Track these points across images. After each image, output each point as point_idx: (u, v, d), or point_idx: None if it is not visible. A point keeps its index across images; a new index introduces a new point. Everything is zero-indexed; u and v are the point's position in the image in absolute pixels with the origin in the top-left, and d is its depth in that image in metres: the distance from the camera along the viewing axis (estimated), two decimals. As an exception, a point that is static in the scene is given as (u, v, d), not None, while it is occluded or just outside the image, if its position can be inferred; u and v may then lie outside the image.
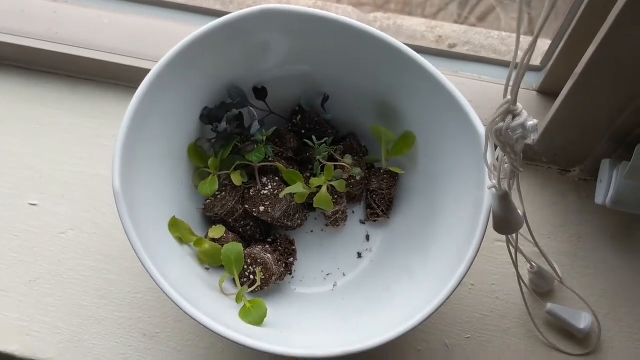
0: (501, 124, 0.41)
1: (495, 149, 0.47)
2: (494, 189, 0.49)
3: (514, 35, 0.92)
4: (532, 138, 0.41)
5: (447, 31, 0.90)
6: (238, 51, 0.59)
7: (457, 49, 0.86)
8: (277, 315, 0.57)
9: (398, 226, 0.65)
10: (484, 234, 0.51)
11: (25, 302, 0.64)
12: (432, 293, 0.51)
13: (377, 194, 0.65)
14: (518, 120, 0.41)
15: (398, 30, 0.91)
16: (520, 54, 0.38)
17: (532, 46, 0.37)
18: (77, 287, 0.65)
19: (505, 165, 0.47)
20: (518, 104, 0.41)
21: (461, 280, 0.50)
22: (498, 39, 0.90)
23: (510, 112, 0.41)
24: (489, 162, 0.49)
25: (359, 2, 1.52)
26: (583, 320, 0.62)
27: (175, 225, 0.57)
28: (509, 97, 0.41)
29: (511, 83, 0.40)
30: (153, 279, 0.49)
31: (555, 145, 0.68)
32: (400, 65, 0.58)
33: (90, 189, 0.70)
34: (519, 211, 0.51)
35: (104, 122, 0.74)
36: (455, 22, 1.49)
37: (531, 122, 0.41)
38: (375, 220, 0.66)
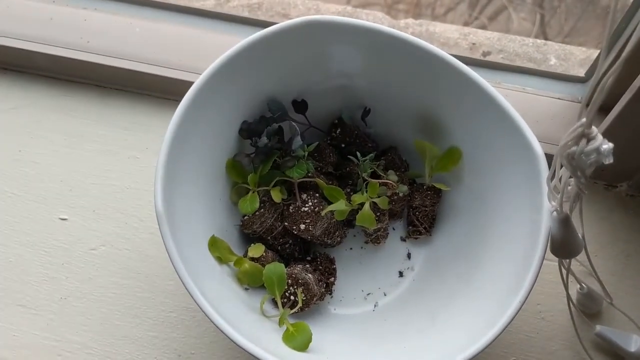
0: (574, 148, 0.39)
1: (559, 170, 0.45)
2: (555, 213, 0.46)
3: (550, 42, 0.90)
4: (607, 162, 0.39)
5: (481, 38, 0.88)
6: (280, 64, 0.57)
7: (491, 57, 0.84)
8: (315, 338, 0.55)
9: (441, 245, 0.63)
10: (543, 258, 0.49)
11: (56, 321, 0.62)
12: (486, 320, 0.49)
13: (420, 211, 0.62)
14: (593, 145, 0.38)
15: (430, 37, 0.89)
16: (553, 58, 0.36)
17: (618, 67, 0.34)
18: (109, 305, 0.63)
19: (569, 187, 0.45)
20: (593, 127, 0.39)
21: (519, 310, 0.47)
22: (533, 47, 0.87)
23: (584, 135, 0.38)
24: (551, 184, 0.46)
25: (367, 3, 1.50)
26: (634, 343, 0.60)
27: (214, 245, 0.55)
28: (583, 119, 0.38)
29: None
30: (196, 302, 0.47)
31: (603, 159, 0.65)
32: (446, 77, 0.55)
33: (121, 203, 0.68)
34: (579, 234, 0.48)
35: (135, 133, 0.71)
36: (466, 22, 1.47)
37: (606, 146, 0.39)
38: (417, 238, 0.63)
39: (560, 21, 1.44)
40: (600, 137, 0.39)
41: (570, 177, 0.43)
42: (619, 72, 0.34)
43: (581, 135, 0.39)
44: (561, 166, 0.43)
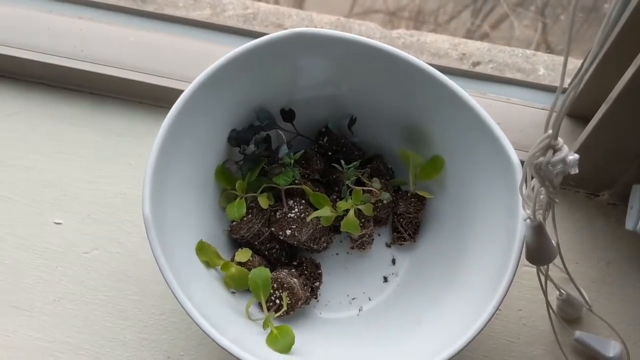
0: (541, 159, 0.41)
1: (531, 180, 0.47)
2: (528, 220, 0.48)
3: (539, 53, 0.92)
4: (573, 172, 0.41)
5: (471, 48, 0.90)
6: (268, 74, 0.58)
7: (480, 67, 0.85)
8: (301, 341, 0.56)
9: (425, 250, 0.64)
10: (518, 265, 0.50)
11: (49, 322, 0.64)
12: (462, 325, 0.51)
13: (404, 218, 0.64)
14: (559, 155, 0.40)
15: (421, 47, 0.91)
16: (542, 68, 0.38)
17: (577, 86, 0.36)
18: (101, 307, 0.64)
19: (541, 196, 0.46)
20: (559, 138, 0.40)
21: (493, 314, 0.49)
22: (522, 57, 0.89)
23: (551, 146, 0.40)
24: (524, 192, 0.48)
25: (371, 10, 1.52)
26: (612, 349, 0.61)
27: (202, 249, 0.57)
28: (549, 131, 0.40)
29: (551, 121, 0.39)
30: (182, 306, 0.49)
31: (584, 169, 0.66)
32: (430, 89, 0.57)
33: (114, 208, 0.69)
34: (553, 241, 0.50)
35: (128, 140, 0.73)
36: (469, 29, 1.48)
37: (572, 157, 0.40)
38: (401, 244, 0.65)
39: (562, 28, 1.45)
40: (565, 148, 0.40)
41: (542, 187, 0.45)
42: (580, 87, 0.36)
43: (548, 146, 0.40)
44: (532, 176, 0.45)
